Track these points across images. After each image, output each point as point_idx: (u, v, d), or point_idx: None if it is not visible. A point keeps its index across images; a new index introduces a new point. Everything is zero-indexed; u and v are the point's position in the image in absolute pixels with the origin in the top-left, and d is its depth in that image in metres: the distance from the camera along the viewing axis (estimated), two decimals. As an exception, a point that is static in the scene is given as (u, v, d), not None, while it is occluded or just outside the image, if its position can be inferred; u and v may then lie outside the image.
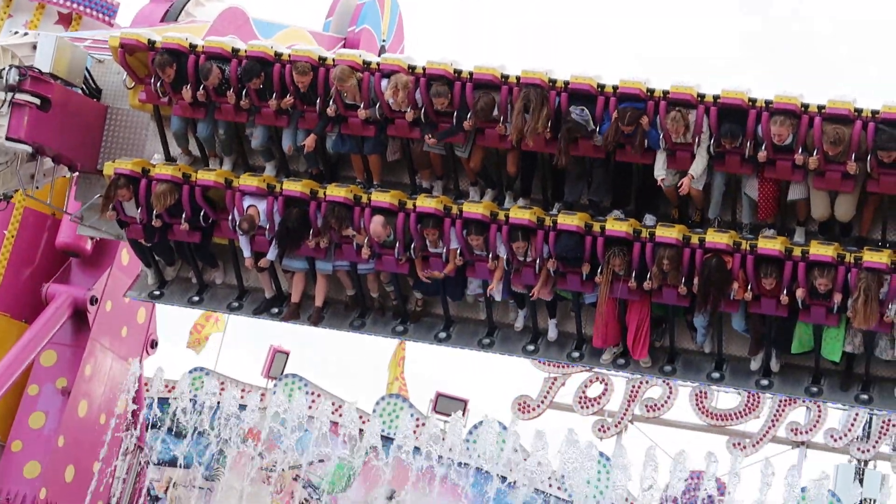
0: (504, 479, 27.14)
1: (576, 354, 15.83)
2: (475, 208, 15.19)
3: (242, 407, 27.43)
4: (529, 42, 72.83)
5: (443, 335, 16.25)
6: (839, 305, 14.31)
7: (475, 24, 76.23)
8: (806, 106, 14.23)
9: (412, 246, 15.48)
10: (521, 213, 15.01)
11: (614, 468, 27.08)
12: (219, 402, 27.45)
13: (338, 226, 15.60)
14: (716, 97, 14.48)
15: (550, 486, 27.28)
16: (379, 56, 22.07)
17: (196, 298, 16.95)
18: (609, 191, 15.32)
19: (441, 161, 15.87)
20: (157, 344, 21.88)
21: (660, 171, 14.73)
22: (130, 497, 21.43)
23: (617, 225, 14.78)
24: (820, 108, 14.18)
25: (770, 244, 14.36)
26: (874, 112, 14.05)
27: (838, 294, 14.22)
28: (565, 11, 77.64)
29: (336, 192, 15.59)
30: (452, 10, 76.77)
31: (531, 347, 15.97)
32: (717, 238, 14.51)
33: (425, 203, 15.36)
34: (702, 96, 14.52)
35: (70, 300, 19.63)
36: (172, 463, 27.44)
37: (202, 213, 16.12)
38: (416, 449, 27.30)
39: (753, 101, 14.40)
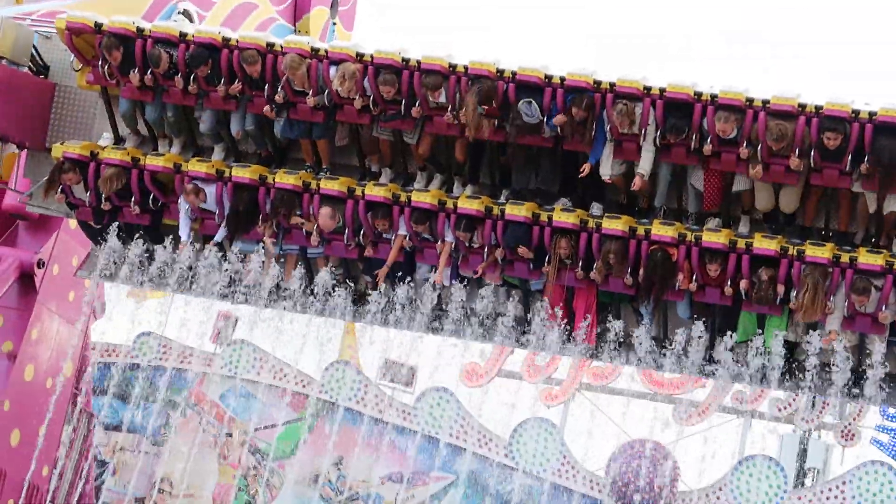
0: (450, 445, 27.25)
1: (525, 338, 15.87)
2: (423, 197, 15.27)
3: (189, 372, 27.40)
4: (482, 17, 72.69)
5: (391, 317, 16.25)
6: (782, 297, 14.50)
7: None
8: (751, 101, 14.39)
9: (361, 232, 15.53)
10: (469, 203, 15.13)
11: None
12: (165, 367, 27.44)
13: (286, 213, 15.64)
14: (662, 90, 14.61)
15: (497, 452, 27.39)
16: (331, 7, 22.15)
17: (146, 278, 16.87)
18: (557, 179, 15.42)
19: (390, 147, 15.92)
20: (104, 308, 21.79)
21: (605, 169, 14.94)
22: (77, 461, 21.37)
23: (564, 216, 14.90)
24: (764, 102, 14.34)
25: (714, 237, 14.56)
26: (818, 108, 14.25)
27: (781, 286, 14.42)
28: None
29: (285, 179, 15.62)
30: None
31: (481, 330, 16.02)
32: (662, 231, 14.68)
33: (374, 191, 15.40)
34: (648, 89, 14.65)
35: (17, 263, 19.48)
36: (119, 427, 27.39)
37: (151, 197, 16.12)
38: (363, 415, 27.39)
39: (699, 94, 14.54)
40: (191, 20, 19.50)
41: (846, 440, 29.65)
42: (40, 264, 19.60)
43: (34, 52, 16.95)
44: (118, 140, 16.74)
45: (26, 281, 19.62)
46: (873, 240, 14.85)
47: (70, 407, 20.79)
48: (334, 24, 23.16)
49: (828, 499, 26.17)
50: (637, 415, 29.24)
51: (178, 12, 19.30)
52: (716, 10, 73.74)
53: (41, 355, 19.96)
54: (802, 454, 29.99)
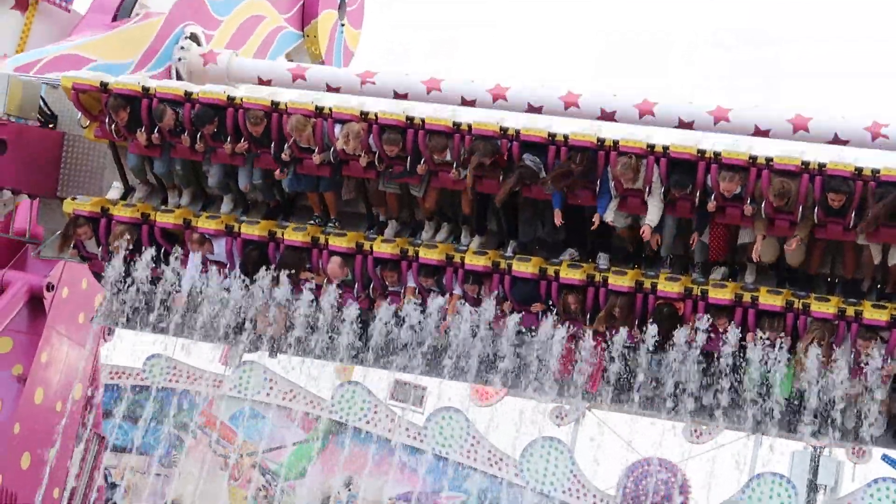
0: (460, 464, 27.27)
1: (534, 385, 15.93)
2: (431, 254, 15.45)
3: (198, 394, 27.45)
4: (489, 12, 72.57)
5: (404, 363, 16.31)
6: (788, 348, 14.65)
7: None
8: (754, 158, 14.47)
9: (371, 286, 15.69)
10: (475, 260, 15.31)
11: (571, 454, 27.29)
12: (175, 389, 27.48)
13: (296, 269, 15.80)
14: (665, 148, 14.71)
15: (507, 471, 27.40)
16: (339, 9, 22.20)
17: (162, 324, 17.00)
18: (562, 229, 15.54)
19: (397, 199, 16.09)
20: (113, 331, 21.79)
21: (609, 215, 15.04)
22: (87, 484, 21.38)
23: (570, 272, 15.04)
24: (768, 160, 14.42)
25: (720, 293, 14.69)
26: (821, 165, 14.30)
27: (787, 338, 14.59)
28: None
29: (293, 236, 15.80)
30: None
31: (490, 376, 16.11)
32: (668, 287, 14.81)
33: (381, 248, 15.59)
34: (651, 147, 14.75)
35: (26, 287, 19.49)
36: (129, 449, 27.42)
37: (163, 250, 16.30)
38: (373, 435, 27.42)
39: (702, 152, 14.62)
40: (199, 43, 19.59)
41: (857, 457, 29.61)
42: (49, 287, 19.62)
43: (42, 101, 17.11)
44: (128, 190, 16.91)
45: (36, 304, 19.65)
46: (879, 286, 15.00)
47: (80, 429, 20.81)
48: (342, 25, 23.16)
49: (839, 516, 26.17)
50: (647, 433, 29.21)
51: (186, 37, 19.39)
52: (723, 8, 73.89)
53: (51, 378, 19.98)
54: (813, 471, 29.96)
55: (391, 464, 27.14)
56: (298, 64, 19.41)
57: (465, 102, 18.52)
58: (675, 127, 17.88)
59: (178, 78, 19.49)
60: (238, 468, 28.35)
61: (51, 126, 17.35)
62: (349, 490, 27.73)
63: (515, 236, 15.74)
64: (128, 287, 16.50)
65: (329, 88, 19.03)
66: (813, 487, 29.70)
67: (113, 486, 27.27)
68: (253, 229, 15.93)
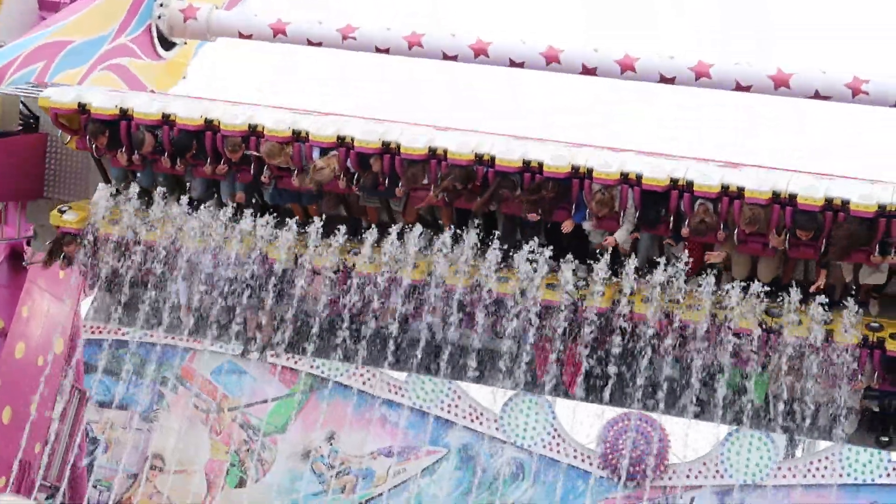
0: (441, 419, 27.36)
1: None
2: (410, 274, 15.76)
3: (179, 348, 27.42)
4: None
5: (391, 360, 16.69)
6: (763, 363, 15.14)
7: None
8: (726, 187, 14.68)
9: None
10: (454, 281, 15.68)
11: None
12: (155, 343, 27.46)
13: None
14: (639, 177, 14.92)
15: (487, 426, 27.49)
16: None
17: (155, 322, 17.21)
18: (540, 237, 15.84)
19: (377, 211, 16.41)
20: (94, 286, 21.76)
21: (588, 225, 15.50)
22: (68, 438, 21.40)
23: (549, 294, 15.39)
24: (740, 189, 14.61)
25: (694, 316, 15.05)
26: (791, 196, 14.56)
27: (761, 353, 15.08)
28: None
29: (276, 255, 16.16)
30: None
31: (476, 373, 16.39)
32: (643, 309, 15.17)
33: (363, 269, 15.92)
34: (625, 175, 14.97)
35: (6, 241, 19.50)
36: (110, 404, 27.42)
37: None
38: (354, 390, 27.48)
39: (675, 181, 14.84)
40: (178, -8, 19.53)
41: (836, 411, 29.70)
42: (29, 242, 19.60)
43: (23, 105, 17.20)
44: (114, 194, 17.09)
45: (16, 259, 19.64)
46: (853, 291, 15.21)
47: (61, 384, 20.81)
48: None
49: (818, 469, 26.30)
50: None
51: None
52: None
53: (32, 333, 19.98)
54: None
55: (372, 418, 27.19)
56: (279, 18, 19.33)
57: (446, 57, 18.53)
58: (658, 82, 17.90)
59: (159, 35, 19.48)
60: (219, 423, 28.38)
61: (33, 125, 17.44)
62: (331, 444, 27.79)
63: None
64: (119, 291, 16.82)
65: (310, 43, 19.00)
66: (792, 441, 29.80)
67: (94, 440, 27.31)
68: (238, 246, 16.23)
